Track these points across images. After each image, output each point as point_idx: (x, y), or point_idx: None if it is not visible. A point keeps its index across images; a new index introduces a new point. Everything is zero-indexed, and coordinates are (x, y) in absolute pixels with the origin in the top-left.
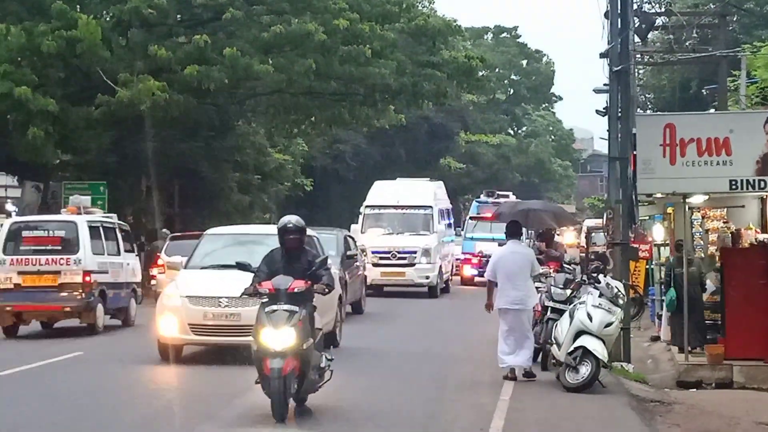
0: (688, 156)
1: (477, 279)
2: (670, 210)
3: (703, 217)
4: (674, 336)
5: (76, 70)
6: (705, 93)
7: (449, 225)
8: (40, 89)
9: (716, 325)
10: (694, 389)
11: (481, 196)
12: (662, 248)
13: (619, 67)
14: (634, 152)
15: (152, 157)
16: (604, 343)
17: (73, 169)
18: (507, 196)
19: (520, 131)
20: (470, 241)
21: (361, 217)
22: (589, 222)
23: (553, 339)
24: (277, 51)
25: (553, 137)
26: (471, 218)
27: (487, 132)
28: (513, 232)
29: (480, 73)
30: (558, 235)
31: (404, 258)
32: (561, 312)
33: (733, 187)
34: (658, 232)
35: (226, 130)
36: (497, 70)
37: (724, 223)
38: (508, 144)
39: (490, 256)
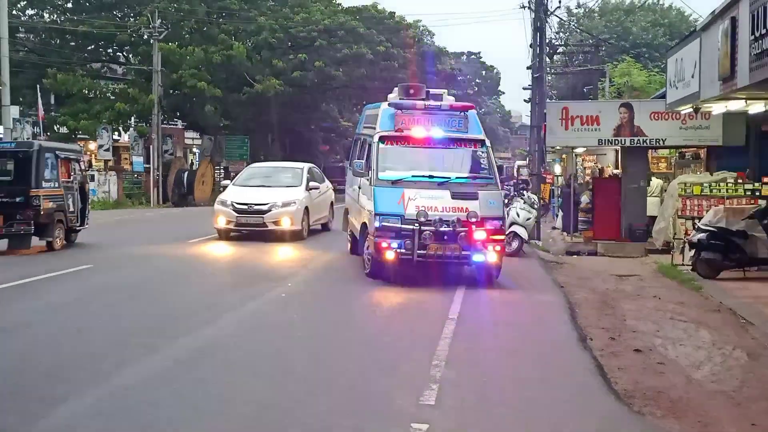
0: (575, 125)
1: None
2: (564, 156)
3: (582, 160)
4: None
5: (232, 73)
6: (586, 91)
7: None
8: (212, 84)
9: (589, 221)
10: (575, 255)
11: (394, 90)
12: (559, 177)
13: (537, 75)
14: (545, 123)
15: (275, 123)
16: (526, 229)
17: (230, 129)
18: (439, 96)
19: None
20: (387, 188)
21: None
22: (519, 161)
23: None
24: (345, 64)
25: (499, 115)
26: (382, 139)
27: None
28: None
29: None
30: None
31: None
32: None
33: (600, 143)
34: (557, 169)
35: (315, 108)
36: (467, 76)
37: (594, 163)
38: None
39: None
